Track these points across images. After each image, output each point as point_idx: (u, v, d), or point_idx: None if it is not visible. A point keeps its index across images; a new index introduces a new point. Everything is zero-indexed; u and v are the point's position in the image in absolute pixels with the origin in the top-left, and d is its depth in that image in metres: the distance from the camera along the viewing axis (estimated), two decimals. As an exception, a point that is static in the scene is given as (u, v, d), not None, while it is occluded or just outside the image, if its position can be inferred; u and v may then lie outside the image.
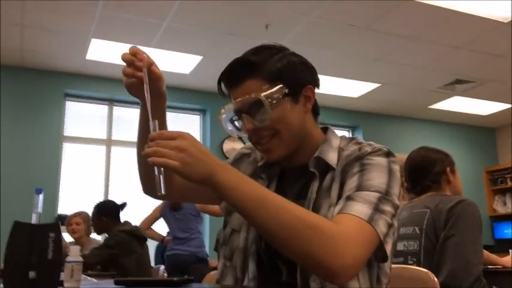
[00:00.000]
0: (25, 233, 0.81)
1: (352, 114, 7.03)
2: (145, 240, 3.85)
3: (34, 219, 0.90)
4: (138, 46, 1.07)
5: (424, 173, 2.01)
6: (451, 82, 6.06)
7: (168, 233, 4.70)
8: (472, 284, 1.64)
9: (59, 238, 0.83)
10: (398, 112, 7.25)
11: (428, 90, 6.35)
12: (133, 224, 3.86)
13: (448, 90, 6.33)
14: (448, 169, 2.03)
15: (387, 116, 7.30)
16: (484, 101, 6.68)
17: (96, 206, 3.88)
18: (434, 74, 5.81)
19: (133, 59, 1.04)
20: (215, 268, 3.23)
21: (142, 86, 1.03)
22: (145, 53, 1.06)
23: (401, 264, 1.67)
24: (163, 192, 0.92)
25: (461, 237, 1.72)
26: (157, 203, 4.56)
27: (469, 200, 1.83)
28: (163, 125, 1.13)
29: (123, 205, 3.91)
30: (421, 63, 5.51)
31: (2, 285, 0.89)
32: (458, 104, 6.86)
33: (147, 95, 1.02)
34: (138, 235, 3.73)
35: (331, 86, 6.00)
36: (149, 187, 1.22)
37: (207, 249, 5.41)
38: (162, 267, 3.70)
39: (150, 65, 1.06)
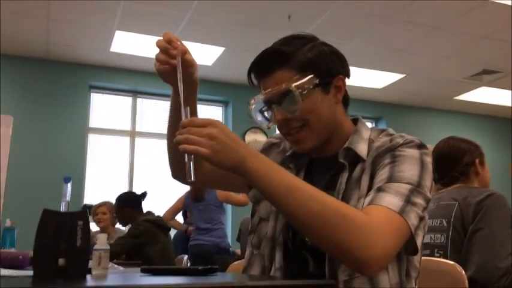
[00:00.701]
0: (54, 221, 0.83)
1: (375, 105, 6.95)
2: (169, 229, 3.90)
3: (63, 207, 0.91)
4: (160, 37, 1.07)
5: (452, 163, 1.95)
6: (478, 72, 5.93)
7: (184, 222, 4.77)
8: (500, 277, 1.61)
9: (87, 226, 0.84)
10: (422, 103, 7.14)
11: (454, 81, 6.23)
12: (156, 214, 3.91)
13: (474, 80, 6.20)
14: (477, 160, 1.97)
15: (411, 107, 7.19)
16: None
17: (118, 198, 3.95)
18: (461, 64, 5.70)
19: (168, 47, 1.04)
20: (238, 258, 3.23)
21: (174, 72, 1.04)
22: (179, 40, 1.05)
23: (428, 256, 1.64)
24: (193, 178, 0.93)
25: (489, 230, 1.68)
26: (181, 193, 4.60)
27: (498, 193, 1.78)
28: (194, 111, 1.13)
29: (144, 194, 3.96)
30: (446, 53, 5.41)
31: (32, 272, 0.91)
32: (485, 95, 6.71)
33: (180, 84, 1.02)
34: (161, 225, 3.78)
35: (355, 77, 5.89)
36: (178, 172, 1.23)
37: (229, 239, 5.45)
38: (186, 257, 3.73)
39: (184, 53, 1.06)
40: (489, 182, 2.03)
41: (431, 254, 1.76)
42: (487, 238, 1.67)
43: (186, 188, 4.50)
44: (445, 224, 1.79)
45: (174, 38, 1.05)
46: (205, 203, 4.33)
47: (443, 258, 1.67)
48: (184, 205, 4.51)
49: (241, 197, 4.29)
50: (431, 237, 1.81)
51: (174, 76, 1.04)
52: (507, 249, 1.66)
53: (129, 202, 3.89)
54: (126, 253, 3.62)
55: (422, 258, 1.15)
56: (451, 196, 1.85)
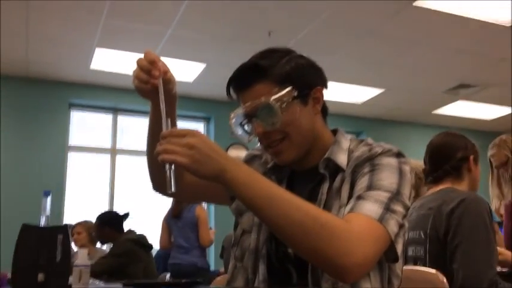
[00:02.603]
0: (34, 235, 0.81)
1: (355, 120, 7.03)
2: (151, 248, 3.85)
3: (43, 222, 0.90)
4: (141, 54, 1.06)
5: (446, 157, 1.92)
6: (455, 86, 6.05)
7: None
8: None
9: (67, 240, 0.83)
10: (402, 117, 7.24)
11: (433, 95, 6.35)
12: (137, 232, 3.86)
13: (452, 94, 6.32)
14: (471, 157, 1.94)
15: (391, 122, 7.29)
16: (489, 105, 6.67)
17: (98, 217, 3.90)
18: (438, 79, 5.81)
19: (150, 68, 1.03)
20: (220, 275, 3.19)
21: (154, 90, 1.04)
22: (161, 61, 1.05)
23: None
24: (173, 190, 0.92)
25: (468, 244, 1.63)
26: (162, 210, 4.55)
27: (471, 196, 1.72)
28: (174, 124, 1.13)
29: (126, 215, 3.92)
30: (424, 68, 5.51)
31: (10, 289, 0.89)
32: (463, 109, 6.85)
33: (162, 106, 1.01)
34: (144, 243, 3.73)
35: (335, 92, 6.00)
36: (159, 184, 1.22)
37: (212, 257, 5.39)
38: (168, 274, 3.69)
39: (165, 73, 1.06)
40: (478, 182, 1.98)
41: None
42: (467, 253, 1.62)
43: (167, 205, 4.45)
44: (423, 236, 1.76)
45: (156, 58, 1.04)
46: (183, 221, 4.26)
47: None
48: (167, 222, 4.45)
49: (210, 234, 4.27)
50: (412, 250, 1.79)
51: (152, 93, 1.05)
52: (489, 261, 1.61)
53: (109, 221, 3.84)
54: (107, 273, 3.56)
55: (404, 267, 1.15)
56: (428, 205, 1.81)
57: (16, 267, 0.80)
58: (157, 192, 1.25)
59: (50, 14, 4.19)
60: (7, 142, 5.24)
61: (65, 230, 0.83)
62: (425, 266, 1.69)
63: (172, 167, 0.92)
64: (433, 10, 4.22)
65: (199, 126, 6.50)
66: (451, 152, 1.93)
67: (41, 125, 5.52)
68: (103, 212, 4.00)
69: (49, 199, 0.92)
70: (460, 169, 1.92)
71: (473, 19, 4.38)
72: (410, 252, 1.80)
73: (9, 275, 1.20)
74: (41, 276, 0.81)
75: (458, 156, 1.91)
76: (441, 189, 1.88)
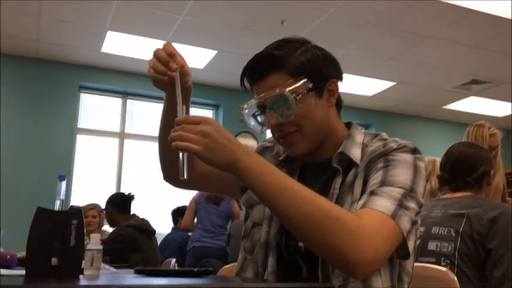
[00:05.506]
0: (48, 219, 0.82)
1: (365, 112, 6.98)
2: (154, 233, 3.87)
3: (57, 206, 0.90)
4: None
5: (470, 169, 1.97)
6: (467, 82, 6.00)
7: (174, 226, 4.73)
8: None
9: (81, 225, 0.83)
10: (412, 111, 7.19)
11: (444, 90, 6.29)
12: (142, 217, 3.89)
13: (463, 90, 6.26)
14: (492, 171, 2.01)
15: (401, 115, 7.25)
16: (500, 101, 6.60)
17: (108, 199, 3.98)
18: (450, 74, 5.76)
19: (169, 61, 1.03)
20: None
21: (169, 82, 1.04)
22: (180, 55, 1.05)
23: (434, 264, 1.66)
24: (185, 177, 0.92)
25: (505, 249, 1.71)
26: (170, 196, 4.58)
27: (509, 208, 1.80)
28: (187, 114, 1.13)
29: (132, 197, 3.98)
30: (437, 62, 5.46)
31: (22, 272, 0.89)
32: (474, 105, 6.79)
33: (179, 99, 1.01)
34: (145, 229, 3.75)
35: (345, 84, 5.90)
36: (170, 173, 1.23)
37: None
38: (173, 260, 3.70)
39: (182, 66, 1.05)
40: (491, 193, 2.08)
41: (438, 263, 1.75)
42: (503, 257, 1.71)
43: (173, 190, 4.46)
44: (453, 234, 1.79)
45: (175, 52, 1.04)
46: (221, 209, 4.34)
47: (450, 267, 1.67)
48: (196, 203, 4.47)
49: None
50: (437, 245, 1.81)
51: (168, 84, 1.04)
52: None
53: (115, 204, 3.89)
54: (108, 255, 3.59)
55: (415, 264, 1.15)
56: (460, 206, 1.85)
57: (30, 251, 0.81)
58: (169, 182, 1.25)
59: (63, -5, 4.19)
60: (15, 123, 5.26)
61: (80, 215, 0.83)
62: (453, 263, 1.75)
63: (186, 154, 0.92)
64: (448, 3, 4.17)
65: (208, 113, 6.49)
66: (474, 165, 1.98)
67: (50, 107, 5.54)
68: (112, 194, 4.06)
69: (64, 183, 0.92)
70: (481, 182, 1.99)
71: (488, 14, 4.33)
72: (433, 247, 1.83)
73: (19, 255, 1.20)
74: (54, 261, 0.81)
75: (481, 170, 1.97)
76: (469, 195, 1.93)
